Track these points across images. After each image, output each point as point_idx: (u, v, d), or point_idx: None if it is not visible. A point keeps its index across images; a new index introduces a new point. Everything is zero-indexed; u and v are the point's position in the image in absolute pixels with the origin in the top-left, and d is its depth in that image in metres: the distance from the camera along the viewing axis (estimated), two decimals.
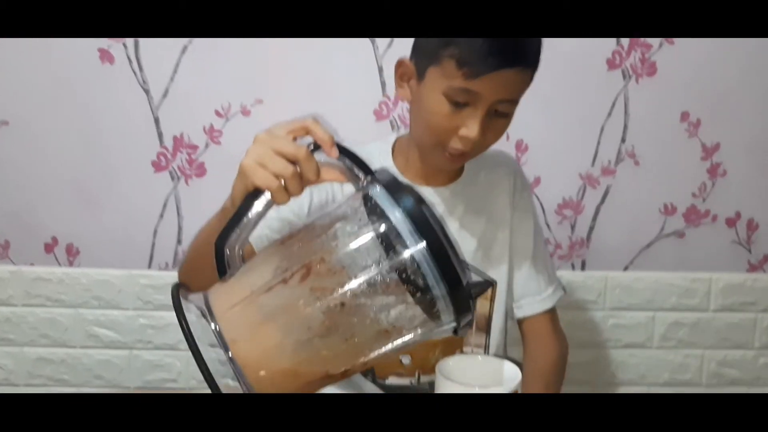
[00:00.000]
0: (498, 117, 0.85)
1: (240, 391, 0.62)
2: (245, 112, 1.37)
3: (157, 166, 1.39)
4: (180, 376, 1.43)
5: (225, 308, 0.64)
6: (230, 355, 0.61)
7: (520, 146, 1.43)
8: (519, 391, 0.74)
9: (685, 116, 1.43)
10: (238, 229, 0.65)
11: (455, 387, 0.74)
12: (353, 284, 0.63)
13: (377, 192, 0.63)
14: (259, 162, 0.63)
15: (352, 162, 0.66)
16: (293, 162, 0.63)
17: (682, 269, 1.50)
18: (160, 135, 1.37)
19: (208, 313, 0.64)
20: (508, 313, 1.05)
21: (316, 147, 0.64)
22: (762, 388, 1.53)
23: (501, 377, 0.75)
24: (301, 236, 0.68)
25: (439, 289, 0.61)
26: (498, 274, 1.03)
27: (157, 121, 1.36)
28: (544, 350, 1.05)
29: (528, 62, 0.84)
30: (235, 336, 0.62)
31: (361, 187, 0.66)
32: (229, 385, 0.63)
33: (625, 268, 1.50)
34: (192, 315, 0.63)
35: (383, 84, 1.38)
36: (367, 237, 0.64)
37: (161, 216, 1.41)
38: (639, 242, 1.50)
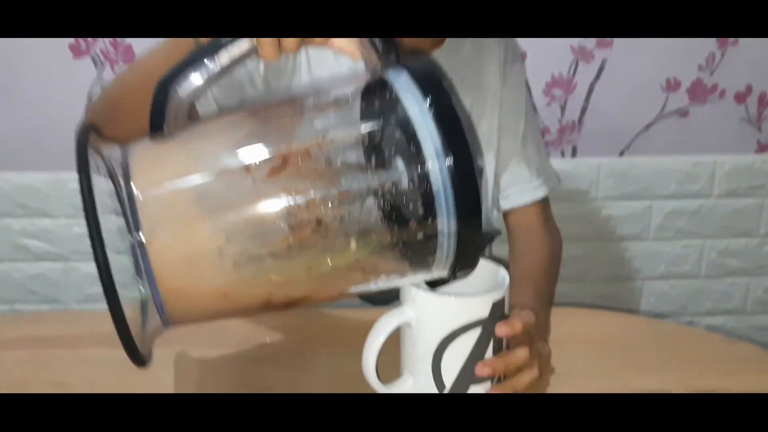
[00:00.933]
0: None
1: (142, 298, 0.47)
2: None
3: (76, 51, 1.16)
4: None
5: (152, 180, 0.47)
6: (140, 240, 0.45)
7: None
8: (506, 298, 0.58)
9: None
10: (197, 72, 0.49)
11: (425, 295, 0.57)
12: (341, 197, 0.49)
13: (401, 81, 0.49)
14: None
15: (390, 44, 0.53)
16: None
17: (683, 152, 1.35)
18: None
19: (124, 176, 0.47)
20: (494, 204, 0.92)
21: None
22: (765, 277, 1.44)
23: (484, 282, 0.59)
24: (282, 112, 0.54)
25: (448, 226, 0.49)
26: (484, 156, 0.89)
27: None
28: (534, 247, 0.89)
29: None
30: (156, 225, 0.46)
31: (380, 68, 0.52)
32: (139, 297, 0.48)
33: (621, 154, 1.35)
34: (101, 177, 0.47)
35: None
36: (373, 137, 0.51)
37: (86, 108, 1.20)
38: (637, 124, 1.33)
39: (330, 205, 0.49)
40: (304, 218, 0.48)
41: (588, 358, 0.72)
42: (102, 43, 1.16)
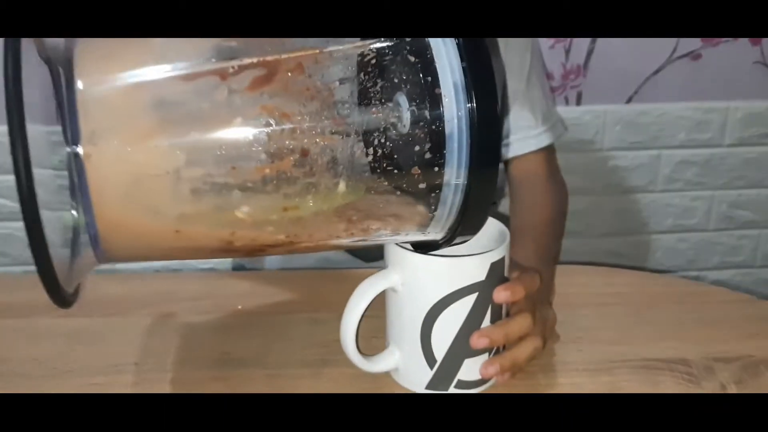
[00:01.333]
0: None
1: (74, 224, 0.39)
2: None
3: None
4: None
5: (99, 74, 0.39)
6: (77, 150, 0.37)
7: None
8: (506, 259, 0.50)
9: None
10: None
11: (413, 256, 0.49)
12: (335, 126, 0.41)
13: None
14: None
15: None
16: None
17: (694, 98, 1.25)
18: None
19: (64, 66, 0.38)
20: None
21: None
22: None
23: (480, 240, 0.51)
24: None
25: (457, 177, 0.42)
26: None
27: None
28: (538, 200, 0.80)
29: None
30: (99, 132, 0.37)
31: None
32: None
33: (629, 100, 1.25)
34: (33, 71, 0.37)
35: None
36: (381, 58, 0.43)
37: None
38: (646, 68, 1.23)
39: (321, 135, 0.41)
40: (287, 146, 0.40)
41: (598, 323, 0.64)
42: None
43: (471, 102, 0.40)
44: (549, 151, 0.85)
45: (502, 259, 0.50)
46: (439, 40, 0.41)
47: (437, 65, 0.41)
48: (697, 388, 0.55)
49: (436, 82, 0.41)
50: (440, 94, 0.40)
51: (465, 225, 0.44)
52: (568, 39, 1.19)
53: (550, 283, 0.66)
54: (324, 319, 0.55)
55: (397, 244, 0.49)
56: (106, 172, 0.38)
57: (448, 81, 0.40)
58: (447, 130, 0.40)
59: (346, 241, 0.46)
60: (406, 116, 0.42)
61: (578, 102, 1.25)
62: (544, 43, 1.19)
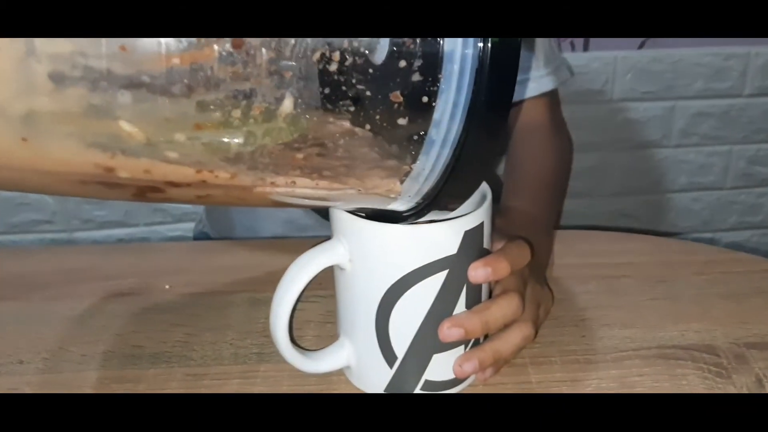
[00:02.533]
0: None
1: None
2: None
3: None
4: (55, 216, 1.08)
5: None
6: None
7: None
8: (485, 225, 0.38)
9: None
10: None
11: (366, 223, 0.37)
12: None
13: None
14: None
15: None
16: None
17: (712, 44, 1.14)
18: None
19: None
20: None
21: None
22: None
23: None
24: None
25: (451, 117, 0.30)
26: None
27: None
28: (537, 153, 0.69)
29: None
30: None
31: None
32: None
33: (641, 46, 1.14)
34: None
35: None
36: None
37: None
38: None
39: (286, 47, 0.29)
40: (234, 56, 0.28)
41: (606, 301, 0.52)
42: None
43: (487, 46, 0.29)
44: (552, 97, 0.73)
45: (480, 226, 0.38)
46: None
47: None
48: (727, 383, 0.44)
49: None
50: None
51: (451, 188, 0.32)
52: None
53: (546, 252, 0.54)
54: (268, 300, 0.43)
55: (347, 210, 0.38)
56: None
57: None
58: (447, 47, 0.29)
59: (280, 195, 0.34)
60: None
61: (585, 47, 1.14)
62: None
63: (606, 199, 1.24)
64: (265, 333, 0.45)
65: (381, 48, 0.30)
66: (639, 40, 1.13)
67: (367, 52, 0.30)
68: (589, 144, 1.17)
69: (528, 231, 0.48)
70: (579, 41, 1.12)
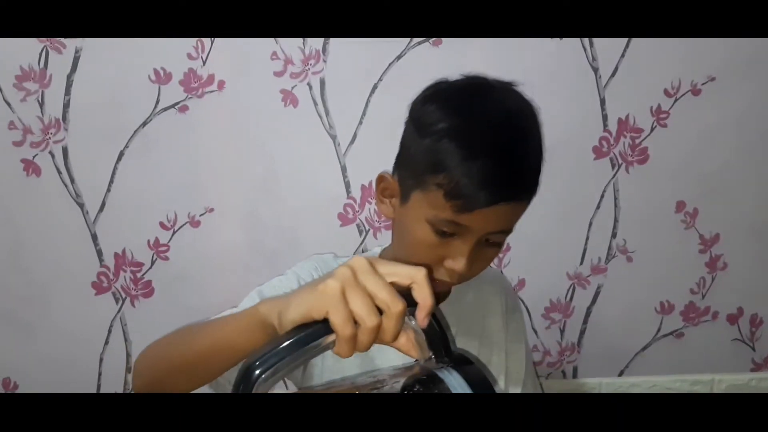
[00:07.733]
0: (489, 246, 0.68)
1: None
2: (194, 223, 1.11)
3: (99, 288, 1.13)
4: None
5: None
6: None
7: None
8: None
9: (680, 206, 1.20)
10: (282, 362, 0.43)
11: None
12: None
13: (452, 380, 0.45)
14: (345, 293, 0.45)
15: (439, 339, 0.49)
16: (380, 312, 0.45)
17: (681, 371, 1.28)
18: (99, 252, 1.11)
19: None
20: None
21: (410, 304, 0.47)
22: None
23: None
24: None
25: None
26: None
27: (94, 237, 1.10)
28: None
29: (527, 194, 0.66)
30: None
31: (433, 365, 0.49)
32: None
33: (620, 374, 1.27)
34: None
35: (347, 185, 1.13)
36: None
37: (106, 342, 1.15)
38: (634, 345, 1.27)
39: None
40: None
41: None
42: (123, 279, 1.13)
43: None
44: None
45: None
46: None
47: None
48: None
49: None
50: None
51: None
52: (563, 320, 1.23)
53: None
54: None
55: None
56: None
57: None
58: None
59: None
60: None
61: (575, 375, 1.27)
62: (541, 323, 1.23)
63: None
64: None
65: None
66: (619, 368, 1.26)
67: None
68: None
69: None
70: (569, 370, 1.26)
